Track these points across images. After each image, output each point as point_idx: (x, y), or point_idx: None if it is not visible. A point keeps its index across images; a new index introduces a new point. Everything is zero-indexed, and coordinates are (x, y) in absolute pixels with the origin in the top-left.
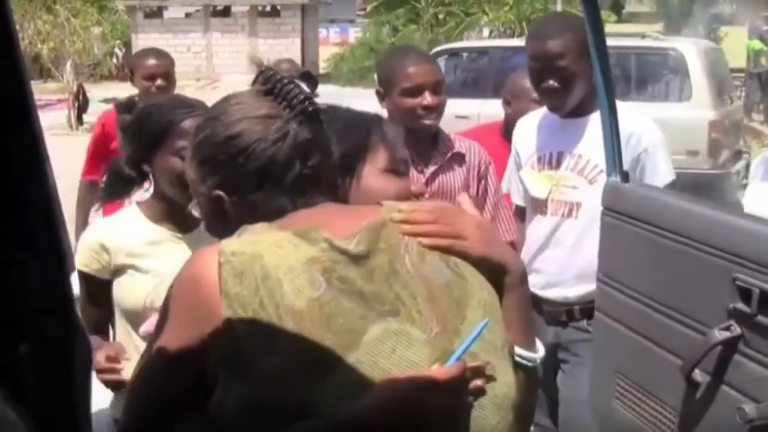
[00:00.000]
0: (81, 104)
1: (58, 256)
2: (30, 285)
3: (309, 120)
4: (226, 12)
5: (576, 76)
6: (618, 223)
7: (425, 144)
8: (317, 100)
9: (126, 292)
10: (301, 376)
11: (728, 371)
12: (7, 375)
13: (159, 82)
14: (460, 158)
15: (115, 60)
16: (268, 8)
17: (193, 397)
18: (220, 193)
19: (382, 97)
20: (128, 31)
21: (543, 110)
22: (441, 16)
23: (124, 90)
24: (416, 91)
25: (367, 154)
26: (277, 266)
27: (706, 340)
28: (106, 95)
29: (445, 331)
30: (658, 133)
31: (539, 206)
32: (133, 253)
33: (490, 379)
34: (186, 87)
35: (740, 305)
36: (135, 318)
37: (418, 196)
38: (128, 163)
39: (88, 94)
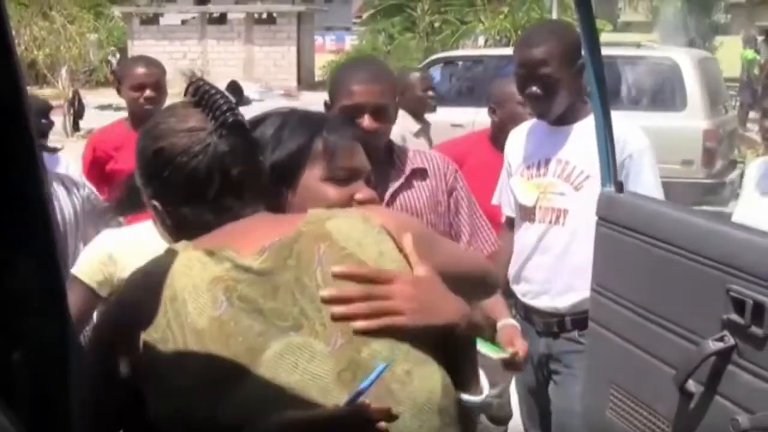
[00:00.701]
0: (76, 110)
1: (53, 259)
2: (24, 287)
3: (230, 131)
4: (222, 19)
5: (559, 83)
6: (612, 233)
7: (378, 164)
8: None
9: None
10: (205, 393)
11: (722, 382)
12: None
13: (148, 92)
14: (421, 174)
15: (109, 66)
16: (264, 16)
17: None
18: (155, 203)
19: (327, 109)
20: (124, 37)
21: (533, 120)
22: (437, 25)
23: (120, 97)
24: (355, 111)
25: (306, 161)
26: (183, 287)
27: (699, 350)
28: (102, 102)
29: (351, 341)
30: (645, 140)
31: (527, 214)
32: None
33: (393, 418)
34: (181, 94)
35: (734, 316)
36: None
37: (363, 203)
38: None
39: (83, 101)
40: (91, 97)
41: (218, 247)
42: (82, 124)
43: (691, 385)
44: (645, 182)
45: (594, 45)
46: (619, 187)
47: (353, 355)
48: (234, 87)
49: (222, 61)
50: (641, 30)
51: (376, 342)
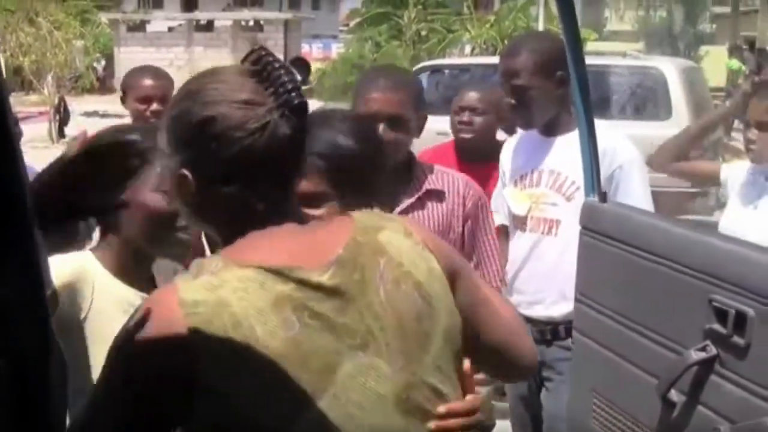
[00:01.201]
0: (62, 117)
1: (35, 267)
2: (4, 296)
3: (293, 113)
4: (209, 26)
5: (531, 93)
6: (595, 243)
7: (392, 177)
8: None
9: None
10: (282, 413)
11: (704, 392)
12: None
13: (155, 105)
14: (437, 195)
15: (94, 73)
16: (251, 23)
17: None
18: (186, 172)
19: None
20: (111, 44)
21: (531, 131)
22: (423, 33)
23: (106, 103)
24: (371, 120)
25: None
26: (246, 312)
27: (682, 360)
28: (88, 108)
29: (409, 363)
30: (634, 151)
31: (520, 223)
32: (94, 304)
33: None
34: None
35: (716, 326)
36: None
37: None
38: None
39: (69, 107)
40: (76, 104)
41: (280, 267)
42: (67, 130)
43: (674, 395)
44: (634, 193)
45: (578, 55)
46: (603, 196)
47: (409, 378)
48: (301, 63)
49: (209, 68)
50: (627, 39)
51: (427, 365)
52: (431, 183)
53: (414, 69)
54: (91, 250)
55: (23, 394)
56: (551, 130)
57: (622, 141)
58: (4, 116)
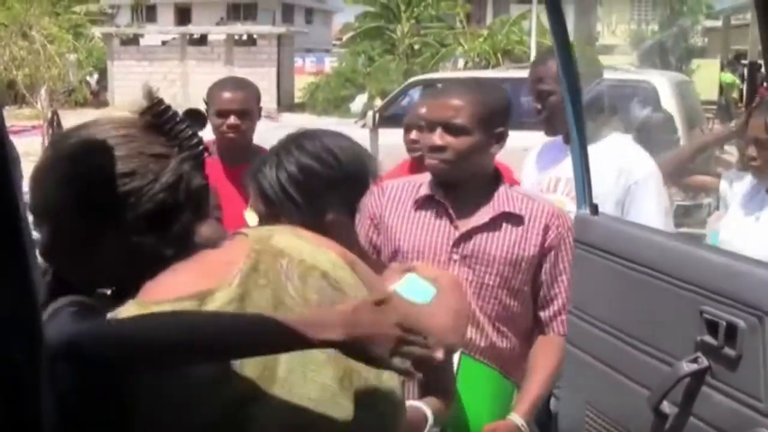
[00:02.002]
0: (55, 131)
1: (28, 283)
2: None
3: (199, 166)
4: (202, 40)
5: (556, 99)
6: (588, 255)
7: (470, 195)
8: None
9: None
10: (233, 420)
11: (696, 403)
12: None
13: (232, 119)
14: (515, 220)
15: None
16: (244, 37)
17: None
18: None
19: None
20: (104, 58)
21: (549, 138)
22: (416, 47)
23: (99, 116)
24: (428, 127)
25: None
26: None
27: (674, 372)
28: (81, 122)
29: None
30: (652, 166)
31: None
32: None
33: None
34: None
35: (707, 338)
36: None
37: None
38: None
39: (62, 121)
40: (70, 118)
41: (196, 293)
42: None
43: (666, 406)
44: (647, 209)
45: (569, 68)
46: (594, 209)
47: (345, 362)
48: (197, 115)
49: (202, 82)
50: (619, 53)
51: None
52: (510, 206)
53: (406, 83)
54: None
55: (11, 408)
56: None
57: (640, 156)
58: None
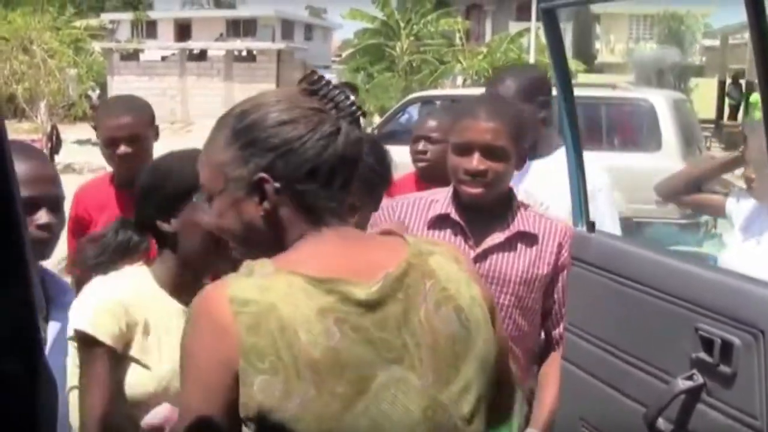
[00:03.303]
0: (54, 145)
1: (25, 290)
2: None
3: (355, 123)
4: (202, 56)
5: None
6: (584, 273)
7: (485, 214)
8: None
9: (135, 375)
10: (315, 423)
11: (691, 420)
12: None
13: (122, 148)
14: (529, 239)
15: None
16: (244, 53)
17: None
18: (265, 176)
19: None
20: (104, 72)
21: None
22: (415, 64)
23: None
24: (465, 150)
25: None
26: (293, 317)
27: (669, 388)
28: (80, 137)
29: (438, 381)
30: (605, 179)
31: None
32: (150, 323)
33: None
34: (161, 130)
35: (703, 355)
36: (139, 405)
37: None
38: (139, 225)
39: (61, 135)
40: (69, 132)
41: (326, 280)
42: (58, 158)
43: (662, 423)
44: (600, 219)
45: (567, 87)
46: (591, 226)
47: (436, 395)
48: (351, 86)
49: (201, 97)
50: (617, 72)
51: (455, 386)
52: (525, 225)
53: (404, 100)
54: (147, 265)
55: (12, 413)
56: (529, 153)
57: (592, 168)
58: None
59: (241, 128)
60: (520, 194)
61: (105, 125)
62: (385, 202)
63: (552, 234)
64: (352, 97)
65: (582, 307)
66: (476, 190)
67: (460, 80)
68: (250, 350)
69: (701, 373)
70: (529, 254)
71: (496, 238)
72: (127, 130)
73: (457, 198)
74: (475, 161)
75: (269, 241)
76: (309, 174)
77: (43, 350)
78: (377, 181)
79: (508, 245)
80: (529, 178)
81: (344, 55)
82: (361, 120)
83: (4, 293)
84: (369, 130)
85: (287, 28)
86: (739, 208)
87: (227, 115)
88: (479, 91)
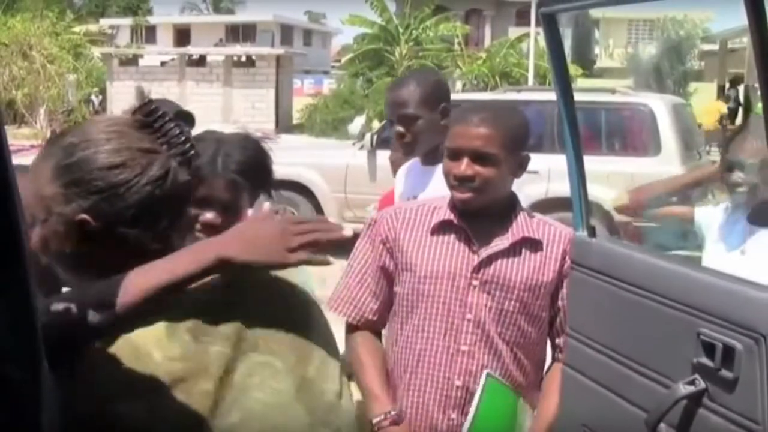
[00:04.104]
0: None
1: (24, 294)
2: None
3: (186, 163)
4: (201, 61)
5: (419, 122)
6: (584, 277)
7: (489, 220)
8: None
9: None
10: (192, 423)
11: (693, 425)
12: None
13: None
14: (533, 245)
15: (91, 107)
16: (243, 58)
17: None
18: (87, 217)
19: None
20: (103, 78)
21: (410, 160)
22: (415, 69)
23: None
24: (455, 155)
25: None
26: (144, 341)
27: (671, 393)
28: None
29: (300, 361)
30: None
31: None
32: None
33: None
34: None
35: (704, 360)
36: None
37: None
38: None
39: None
40: None
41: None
42: None
43: (663, 429)
44: None
45: (567, 91)
46: (591, 231)
47: (303, 373)
48: (185, 115)
49: (201, 102)
50: (616, 76)
51: (315, 362)
52: (529, 230)
53: None
54: None
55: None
56: (431, 159)
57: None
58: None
59: (67, 165)
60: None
61: None
62: (388, 208)
63: (556, 240)
64: (186, 133)
65: (583, 312)
66: (464, 196)
67: (459, 85)
68: (108, 381)
69: (703, 378)
70: (533, 260)
71: (500, 243)
72: None
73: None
74: (463, 166)
75: (92, 272)
76: (132, 218)
77: (43, 358)
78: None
79: (512, 251)
80: (431, 183)
81: (343, 60)
82: (191, 154)
83: (3, 301)
84: (368, 135)
85: (286, 33)
86: (711, 218)
87: (55, 143)
88: (478, 96)
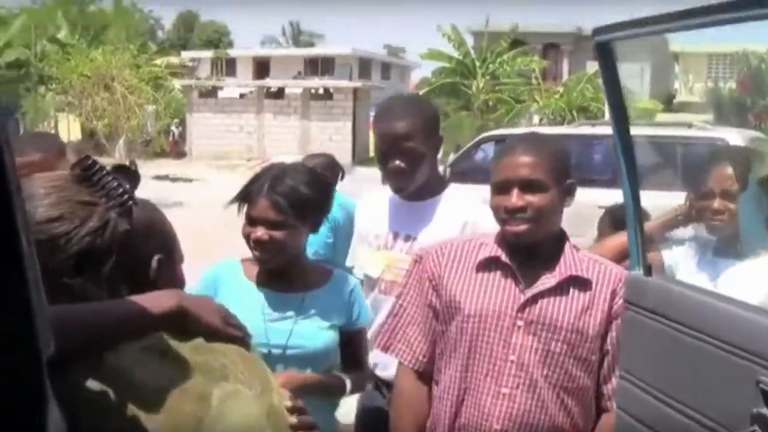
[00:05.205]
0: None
1: (25, 311)
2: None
3: (125, 214)
4: (279, 94)
5: (422, 157)
6: (640, 318)
7: (536, 257)
8: None
9: None
10: None
11: None
12: None
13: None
14: (582, 284)
15: (171, 137)
16: (321, 91)
17: None
18: None
19: None
20: (182, 109)
21: (387, 189)
22: (491, 103)
23: (176, 167)
24: (503, 188)
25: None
26: (121, 361)
27: None
28: (158, 172)
29: (264, 390)
30: (482, 212)
31: (372, 284)
32: None
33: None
34: (238, 166)
35: (764, 410)
36: None
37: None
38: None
39: (139, 171)
40: (147, 168)
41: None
42: (135, 193)
43: None
44: None
45: (623, 123)
46: (648, 270)
47: (270, 401)
48: (124, 169)
49: (278, 134)
50: (696, 111)
51: (275, 393)
52: (577, 269)
53: (477, 138)
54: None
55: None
56: (414, 194)
57: (480, 208)
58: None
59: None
60: (401, 237)
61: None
62: (433, 246)
63: (606, 280)
64: (125, 186)
65: (637, 354)
66: (519, 228)
67: (536, 119)
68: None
69: (762, 429)
70: (581, 300)
71: (547, 282)
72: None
73: (506, 240)
74: (514, 198)
75: None
76: (74, 268)
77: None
78: (310, 209)
79: (560, 290)
80: (411, 220)
81: (421, 93)
82: (129, 204)
83: (7, 328)
84: (442, 168)
85: (365, 66)
86: (677, 257)
87: None
88: (555, 130)
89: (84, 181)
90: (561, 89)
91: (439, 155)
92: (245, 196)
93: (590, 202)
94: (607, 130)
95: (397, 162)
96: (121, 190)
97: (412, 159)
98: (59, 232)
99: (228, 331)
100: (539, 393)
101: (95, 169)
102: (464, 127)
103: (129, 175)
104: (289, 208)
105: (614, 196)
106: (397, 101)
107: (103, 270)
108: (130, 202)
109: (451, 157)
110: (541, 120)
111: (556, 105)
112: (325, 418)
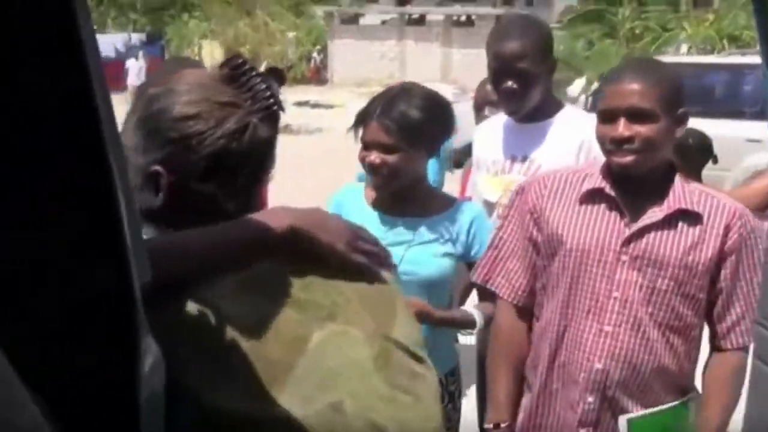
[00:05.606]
0: None
1: (121, 263)
2: (93, 294)
3: (269, 119)
4: (421, 21)
5: (535, 79)
6: None
7: (643, 189)
8: None
9: None
10: (255, 390)
11: None
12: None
13: None
14: (692, 218)
15: (312, 64)
16: (462, 18)
17: None
18: (160, 169)
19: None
20: (323, 36)
21: (501, 115)
22: (638, 31)
23: (317, 94)
24: (609, 117)
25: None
26: (209, 296)
27: None
28: (299, 99)
29: (380, 328)
30: None
31: (490, 210)
32: None
33: None
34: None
35: None
36: None
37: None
38: None
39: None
40: (288, 94)
41: None
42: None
43: None
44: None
45: None
46: None
47: (383, 343)
48: (277, 73)
49: (419, 61)
50: None
51: (399, 328)
52: (687, 202)
53: None
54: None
55: (98, 407)
56: (529, 117)
57: (586, 120)
58: (89, 101)
59: (147, 116)
60: (518, 160)
61: None
62: (536, 177)
63: (718, 214)
64: (275, 87)
65: None
66: (625, 159)
67: (684, 48)
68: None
69: None
70: (690, 235)
71: (654, 215)
72: None
73: (612, 171)
74: (621, 127)
75: (169, 225)
76: (205, 172)
77: (144, 334)
78: (423, 133)
79: (667, 224)
80: (528, 142)
81: (565, 20)
82: (280, 114)
83: (90, 268)
84: (583, 97)
85: None
86: None
87: (142, 95)
88: (702, 59)
89: (231, 81)
90: (711, 16)
91: (582, 82)
92: (361, 120)
93: (739, 135)
94: (759, 59)
95: (510, 83)
96: (268, 93)
97: (525, 80)
98: (192, 132)
99: (352, 258)
100: (644, 331)
101: (244, 68)
102: (610, 56)
103: (279, 77)
104: (399, 132)
105: (766, 129)
106: (511, 22)
107: (238, 179)
108: (276, 107)
109: (595, 85)
110: (689, 49)
111: (705, 33)
112: (447, 346)
